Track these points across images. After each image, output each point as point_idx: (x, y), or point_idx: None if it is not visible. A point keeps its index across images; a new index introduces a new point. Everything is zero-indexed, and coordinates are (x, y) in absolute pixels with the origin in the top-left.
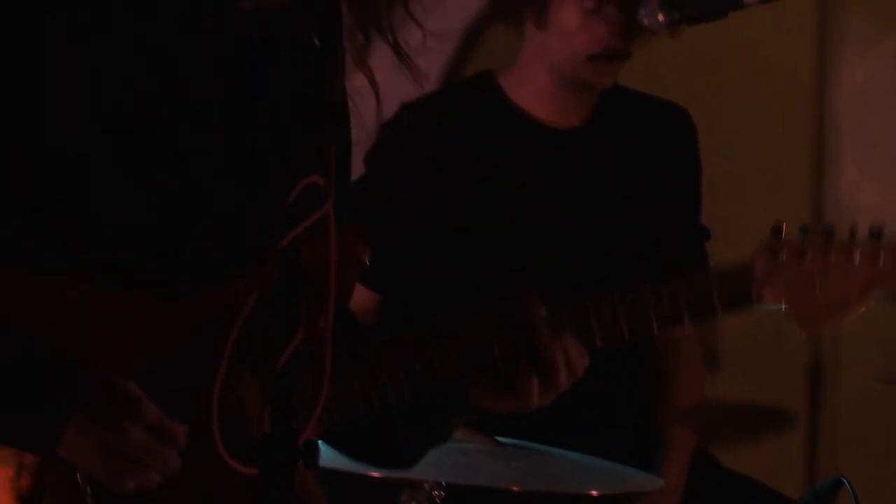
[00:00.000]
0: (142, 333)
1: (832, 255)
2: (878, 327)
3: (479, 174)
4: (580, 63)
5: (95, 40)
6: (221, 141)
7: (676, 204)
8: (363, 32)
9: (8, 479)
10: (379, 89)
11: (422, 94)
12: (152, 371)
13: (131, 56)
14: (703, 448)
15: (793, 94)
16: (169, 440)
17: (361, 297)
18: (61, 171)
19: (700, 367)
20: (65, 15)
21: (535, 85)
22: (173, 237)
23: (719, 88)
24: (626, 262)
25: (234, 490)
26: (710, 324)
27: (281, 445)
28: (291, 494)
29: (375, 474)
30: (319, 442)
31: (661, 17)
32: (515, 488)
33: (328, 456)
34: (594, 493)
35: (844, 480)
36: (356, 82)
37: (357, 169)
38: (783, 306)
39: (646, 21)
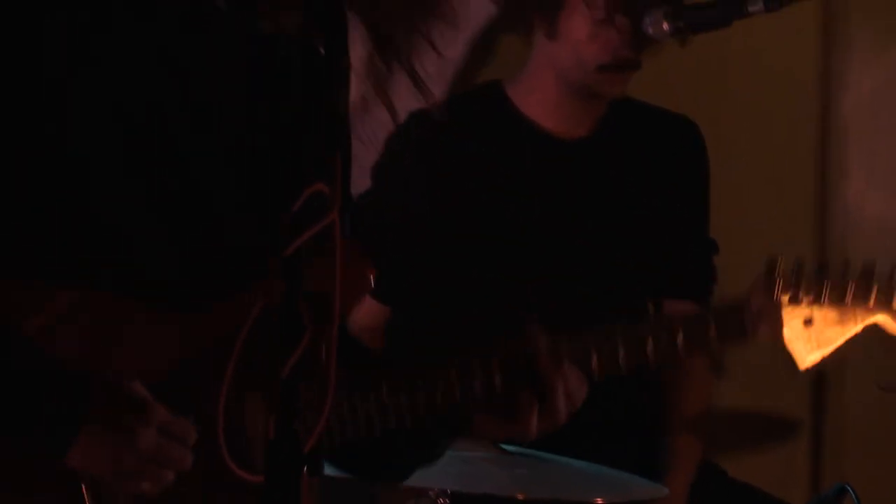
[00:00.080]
0: (143, 345)
1: (825, 294)
2: (881, 335)
3: (485, 184)
4: (589, 73)
5: (95, 40)
6: (222, 142)
7: (684, 216)
8: (384, 62)
9: None
10: (399, 119)
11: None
12: (155, 383)
13: (132, 56)
14: (708, 457)
15: (798, 102)
16: (181, 438)
17: (372, 309)
18: (62, 171)
19: (708, 375)
20: (65, 15)
21: (543, 94)
22: (174, 238)
23: (724, 97)
24: (633, 274)
25: (239, 498)
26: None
27: (286, 453)
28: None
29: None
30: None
31: (665, 26)
32: (520, 496)
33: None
34: (599, 501)
35: (849, 488)
36: (377, 114)
37: (364, 182)
38: (777, 342)
39: (651, 30)
